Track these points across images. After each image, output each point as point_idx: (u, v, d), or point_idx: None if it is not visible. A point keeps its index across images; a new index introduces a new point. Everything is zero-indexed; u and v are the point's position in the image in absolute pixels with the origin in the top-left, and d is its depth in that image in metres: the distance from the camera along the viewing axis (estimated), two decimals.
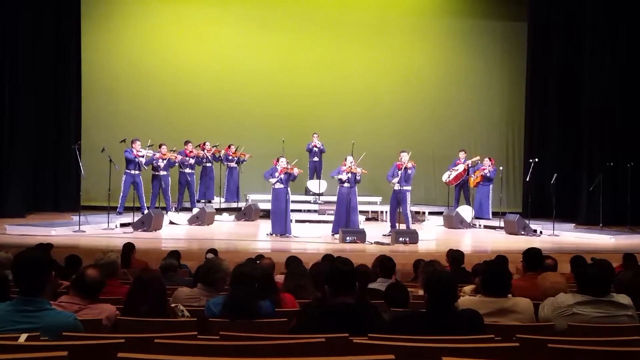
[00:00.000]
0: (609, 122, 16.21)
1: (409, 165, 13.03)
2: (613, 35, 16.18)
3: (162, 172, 14.71)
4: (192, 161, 15.62)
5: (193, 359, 2.59)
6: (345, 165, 13.01)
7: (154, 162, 14.53)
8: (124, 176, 14.26)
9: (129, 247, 8.30)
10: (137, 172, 14.31)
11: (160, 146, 14.76)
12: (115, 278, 5.82)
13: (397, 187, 13.10)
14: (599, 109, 16.27)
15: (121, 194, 14.29)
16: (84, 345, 3.23)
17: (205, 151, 16.09)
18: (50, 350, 2.78)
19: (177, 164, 15.20)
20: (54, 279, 3.81)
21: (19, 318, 3.50)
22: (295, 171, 13.02)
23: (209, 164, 16.37)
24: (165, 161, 14.65)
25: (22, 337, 3.22)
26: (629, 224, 14.82)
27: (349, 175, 12.92)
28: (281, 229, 12.81)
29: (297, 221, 14.83)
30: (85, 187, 14.67)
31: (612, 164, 15.06)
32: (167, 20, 18.13)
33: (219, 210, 15.83)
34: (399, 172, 13.00)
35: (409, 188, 13.23)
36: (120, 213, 14.23)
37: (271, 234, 12.90)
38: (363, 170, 13.04)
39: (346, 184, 13.00)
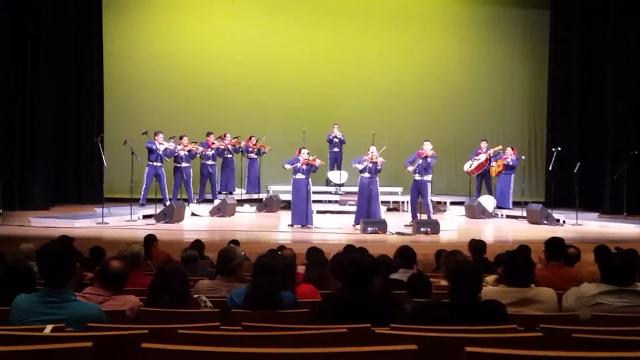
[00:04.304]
0: (633, 110, 16.01)
1: (430, 154, 12.98)
2: (637, 21, 15.94)
3: (184, 164, 14.81)
4: (212, 152, 15.68)
5: (216, 349, 2.60)
6: (368, 154, 12.98)
7: (176, 153, 14.61)
8: (147, 168, 14.39)
9: (150, 239, 8.35)
10: (159, 164, 14.41)
11: (181, 138, 14.86)
12: (138, 269, 5.87)
13: (417, 177, 13.05)
14: (623, 97, 16.08)
15: (144, 185, 14.42)
16: (109, 336, 3.26)
17: (226, 143, 16.13)
18: (75, 341, 2.81)
19: (198, 155, 15.27)
20: (79, 270, 3.85)
21: (44, 309, 3.55)
22: (317, 162, 13.02)
23: (229, 156, 16.41)
24: (186, 152, 14.74)
25: (48, 328, 3.26)
26: None
27: (370, 165, 12.89)
28: (302, 219, 12.82)
29: (318, 212, 14.84)
30: (107, 179, 14.78)
31: (636, 152, 14.88)
32: (188, 11, 18.16)
33: (240, 202, 15.89)
34: (420, 160, 12.96)
35: (429, 178, 13.17)
36: (142, 205, 14.34)
37: (291, 225, 12.92)
38: (382, 160, 13.01)
39: (367, 174, 12.98)
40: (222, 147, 16.00)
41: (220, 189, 16.30)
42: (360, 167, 12.95)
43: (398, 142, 15.95)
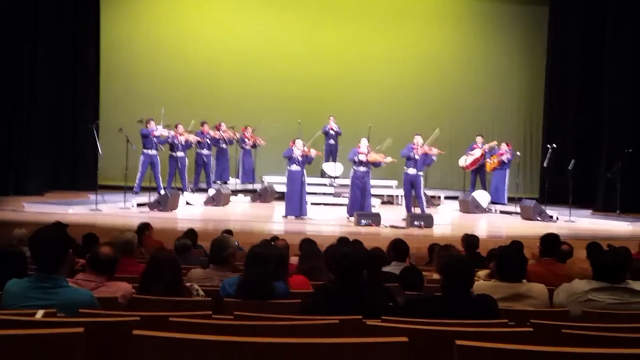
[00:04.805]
0: (629, 108, 16.01)
1: (435, 152, 13.07)
2: (635, 18, 15.92)
3: (180, 153, 14.78)
4: (208, 141, 15.64)
5: (207, 337, 2.60)
6: (359, 147, 12.94)
7: (169, 140, 14.57)
8: (142, 156, 14.35)
9: (143, 227, 8.33)
10: (154, 152, 14.39)
11: (176, 126, 14.81)
12: (131, 257, 5.87)
13: (411, 171, 13.06)
14: (620, 95, 16.07)
15: (138, 173, 14.40)
16: (100, 322, 3.26)
17: (221, 132, 16.11)
18: (66, 326, 2.81)
19: (193, 145, 15.24)
20: (71, 256, 3.85)
21: (36, 294, 3.55)
22: (313, 153, 13.00)
23: (224, 146, 16.39)
24: (183, 142, 14.73)
25: (39, 313, 3.26)
26: None
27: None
28: (296, 211, 12.81)
29: (312, 204, 14.85)
30: (102, 167, 14.75)
31: (631, 150, 14.91)
32: (186, 1, 18.10)
33: (235, 192, 15.87)
34: (416, 156, 12.96)
35: (422, 172, 13.23)
36: (136, 192, 14.33)
37: (285, 216, 12.91)
38: (393, 160, 13.01)
39: (363, 168, 12.94)
40: (217, 137, 15.98)
41: (215, 178, 16.29)
42: (360, 157, 12.84)
43: (394, 136, 15.92)
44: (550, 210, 14.33)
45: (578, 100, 17.31)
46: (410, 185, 13.19)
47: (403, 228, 12.17)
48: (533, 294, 4.37)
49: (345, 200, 14.40)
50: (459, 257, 4.34)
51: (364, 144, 12.97)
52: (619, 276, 4.26)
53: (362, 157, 12.84)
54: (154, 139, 14.28)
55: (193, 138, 15.02)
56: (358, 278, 4.01)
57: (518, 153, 15.99)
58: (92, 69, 16.63)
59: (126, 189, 13.44)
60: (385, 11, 18.59)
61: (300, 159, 12.81)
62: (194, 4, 18.12)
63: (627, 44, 15.99)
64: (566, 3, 17.65)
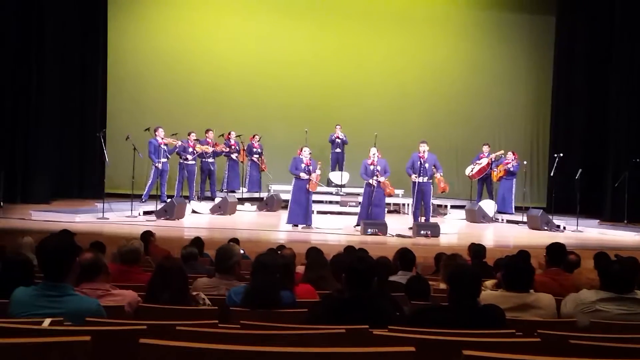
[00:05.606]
0: (636, 118, 15.99)
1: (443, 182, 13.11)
2: None
3: (191, 162, 14.82)
4: (210, 149, 15.60)
5: (214, 346, 2.60)
6: (369, 158, 12.92)
7: (179, 151, 14.62)
8: (152, 165, 14.35)
9: (146, 235, 8.31)
10: (164, 160, 14.42)
11: (189, 134, 14.86)
12: (138, 265, 5.87)
13: (421, 179, 13.00)
14: (626, 105, 16.05)
15: (149, 181, 14.41)
16: (107, 330, 3.27)
17: (231, 141, 16.18)
18: (73, 335, 2.82)
19: (206, 155, 15.29)
20: (78, 265, 3.85)
21: (43, 303, 3.55)
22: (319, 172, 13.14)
23: (234, 156, 16.42)
24: (196, 152, 14.80)
25: (46, 322, 3.26)
26: None
27: (378, 168, 12.82)
28: (302, 219, 12.79)
29: (318, 212, 14.83)
30: (109, 175, 14.78)
31: (638, 160, 14.87)
32: (193, 9, 18.16)
33: (241, 200, 15.88)
34: (420, 165, 12.93)
35: (430, 180, 13.21)
36: (144, 201, 14.34)
37: (296, 225, 12.84)
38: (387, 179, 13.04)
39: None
40: (223, 149, 16.02)
41: (226, 187, 16.34)
42: (373, 182, 12.80)
43: (401, 144, 15.95)
44: (557, 220, 14.28)
45: (585, 110, 17.30)
46: (420, 193, 13.10)
47: (410, 237, 12.14)
48: (540, 304, 4.35)
49: (352, 209, 14.37)
50: (466, 266, 4.34)
51: (372, 152, 12.96)
52: (626, 286, 4.24)
53: (373, 181, 12.78)
54: (164, 148, 14.32)
55: (207, 148, 15.07)
56: (370, 284, 4.00)
57: (525, 162, 15.95)
58: (100, 77, 16.71)
59: (133, 197, 13.47)
60: (391, 20, 18.61)
61: (309, 168, 12.78)
62: (200, 13, 18.17)
63: (634, 53, 15.98)
64: (573, 12, 17.67)
